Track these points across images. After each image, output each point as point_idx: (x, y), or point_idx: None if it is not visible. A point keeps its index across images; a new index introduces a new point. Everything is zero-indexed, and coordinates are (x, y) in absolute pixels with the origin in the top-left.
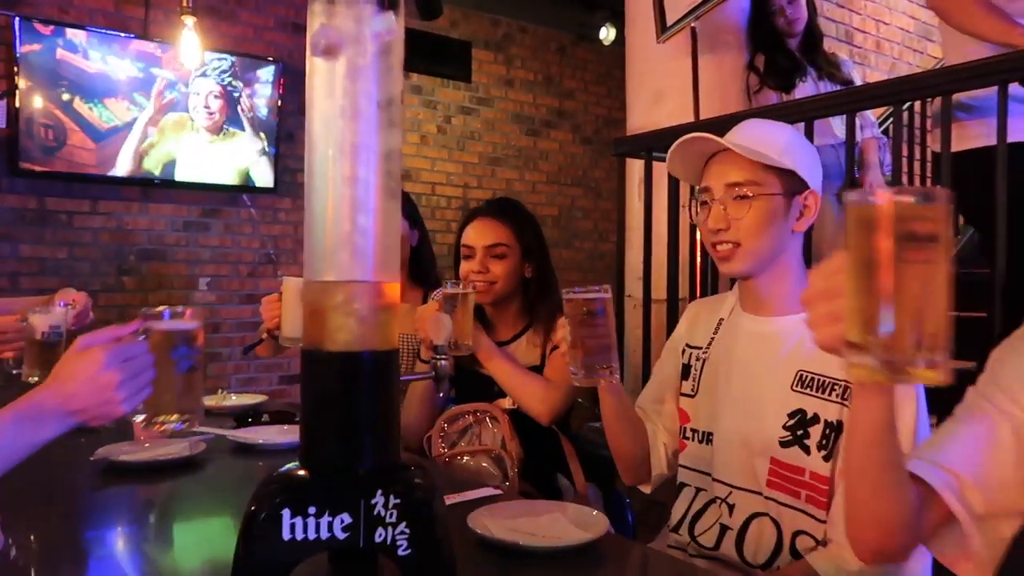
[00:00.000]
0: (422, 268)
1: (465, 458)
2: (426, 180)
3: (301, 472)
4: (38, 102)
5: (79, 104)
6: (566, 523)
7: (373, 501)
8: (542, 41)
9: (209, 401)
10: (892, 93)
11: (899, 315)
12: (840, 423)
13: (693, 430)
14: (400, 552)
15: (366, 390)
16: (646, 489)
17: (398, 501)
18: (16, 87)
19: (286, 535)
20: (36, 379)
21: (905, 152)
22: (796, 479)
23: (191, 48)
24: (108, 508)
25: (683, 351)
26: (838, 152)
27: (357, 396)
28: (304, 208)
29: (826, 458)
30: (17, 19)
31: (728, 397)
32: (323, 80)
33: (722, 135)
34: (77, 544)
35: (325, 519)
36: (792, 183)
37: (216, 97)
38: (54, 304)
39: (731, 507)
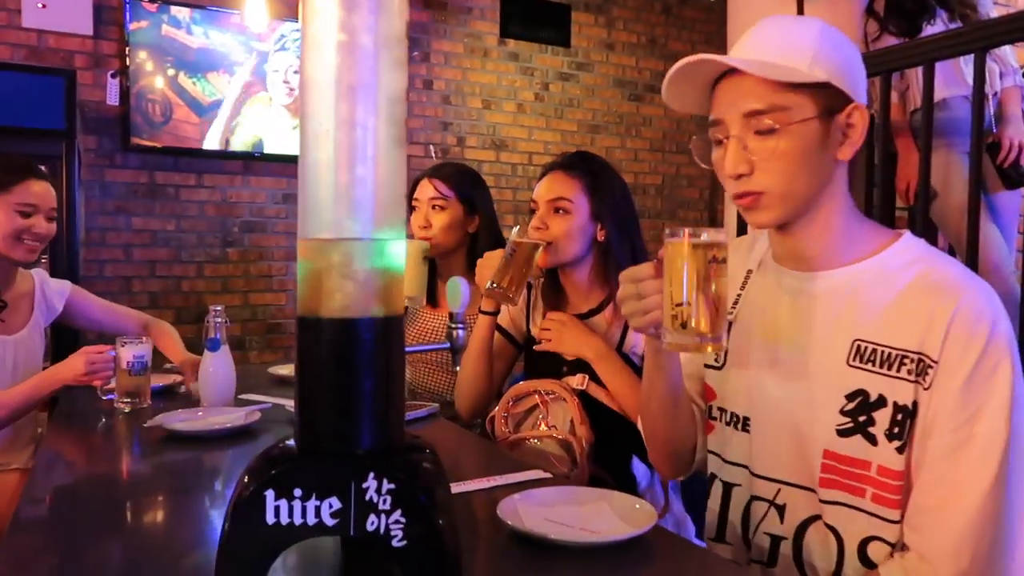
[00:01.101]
0: (480, 254)
1: (531, 441)
2: (523, 150)
3: (291, 451)
4: (147, 79)
5: (183, 79)
6: (610, 514)
7: (365, 485)
8: (646, 1)
9: (282, 370)
10: None
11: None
12: (916, 406)
13: (721, 409)
14: (394, 543)
15: (364, 360)
16: (683, 477)
17: (392, 486)
18: (128, 66)
19: (270, 519)
20: (125, 407)
21: None
22: (860, 474)
23: (257, 11)
24: (160, 475)
25: None
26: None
27: (355, 367)
28: (299, 158)
29: (900, 449)
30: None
31: (766, 373)
32: (317, 12)
33: None
34: (125, 511)
35: (312, 503)
36: (830, 99)
37: (296, 72)
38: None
39: (781, 509)
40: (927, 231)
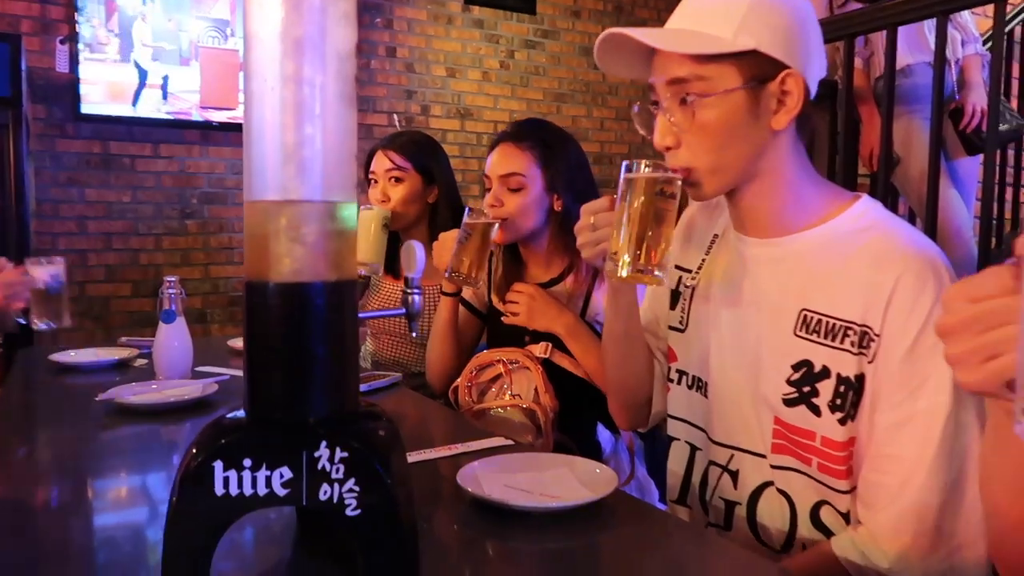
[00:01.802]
0: (445, 226)
1: (495, 411)
2: (488, 119)
3: (240, 420)
4: (100, 46)
5: (138, 49)
6: (571, 480)
7: (317, 454)
8: None
9: (241, 342)
10: None
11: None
12: (861, 378)
13: (681, 372)
14: (348, 512)
15: (315, 326)
16: (642, 429)
17: (345, 455)
18: (78, 33)
19: (219, 489)
20: (44, 326)
21: (1016, 72)
22: (806, 444)
23: None
24: (114, 450)
25: (673, 272)
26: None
27: (305, 333)
28: (244, 117)
29: (842, 421)
30: None
31: (722, 338)
32: None
33: None
34: (78, 486)
35: (263, 473)
36: (759, 66)
37: None
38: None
39: (734, 475)
40: (888, 196)
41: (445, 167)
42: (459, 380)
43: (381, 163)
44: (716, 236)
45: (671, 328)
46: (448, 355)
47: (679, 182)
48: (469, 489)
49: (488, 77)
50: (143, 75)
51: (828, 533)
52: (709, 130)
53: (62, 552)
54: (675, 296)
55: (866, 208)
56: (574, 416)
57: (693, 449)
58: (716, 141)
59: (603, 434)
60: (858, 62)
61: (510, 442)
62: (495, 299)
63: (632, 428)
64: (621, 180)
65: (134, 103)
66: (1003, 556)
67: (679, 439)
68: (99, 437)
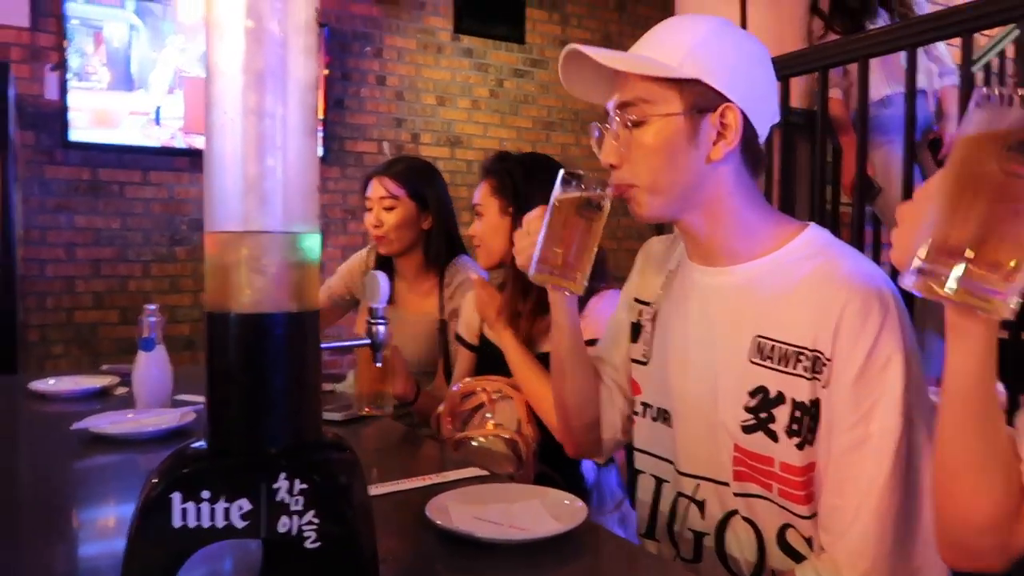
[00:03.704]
0: (439, 252)
1: (477, 440)
2: (478, 146)
3: (201, 451)
4: (88, 73)
5: (125, 78)
6: (540, 511)
7: (276, 485)
8: None
9: None
10: (962, 21)
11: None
12: (816, 403)
13: (646, 404)
14: (307, 544)
15: (276, 357)
16: (599, 460)
17: (305, 486)
18: (66, 59)
19: (176, 522)
20: None
21: None
22: (765, 470)
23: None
24: (87, 480)
25: (632, 305)
26: (920, 101)
27: (266, 364)
28: (204, 147)
29: (800, 445)
30: None
31: (682, 368)
32: None
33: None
34: (49, 516)
35: (221, 505)
36: (701, 96)
37: None
38: None
39: (700, 505)
40: (864, 225)
41: (441, 193)
42: (441, 408)
43: (376, 190)
44: (673, 269)
45: (634, 361)
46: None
47: (605, 199)
48: (437, 521)
49: (478, 105)
50: (130, 103)
51: (798, 557)
52: (647, 151)
53: None
54: (636, 329)
55: (813, 236)
56: (557, 447)
57: (659, 482)
58: (653, 162)
59: (586, 465)
60: (837, 92)
61: (485, 473)
62: (486, 330)
63: (584, 456)
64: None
65: (122, 131)
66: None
67: (644, 472)
68: (72, 467)
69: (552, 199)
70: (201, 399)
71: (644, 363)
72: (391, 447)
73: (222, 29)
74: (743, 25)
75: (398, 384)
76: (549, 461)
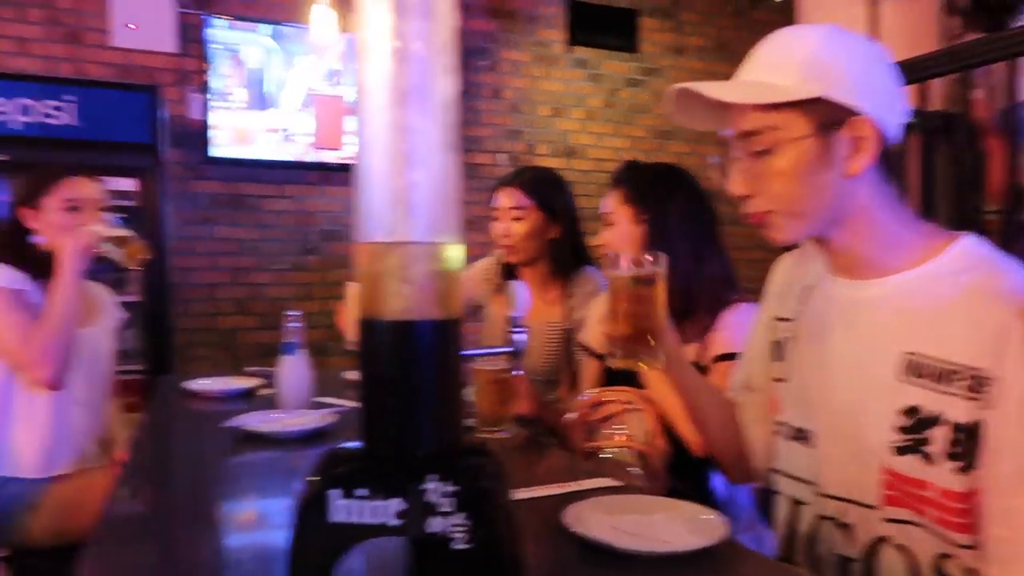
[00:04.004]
0: (566, 262)
1: (607, 451)
2: (592, 156)
3: (355, 451)
4: (228, 94)
5: (263, 93)
6: (679, 524)
7: (426, 487)
8: (715, 4)
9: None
10: None
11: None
12: (977, 425)
13: (785, 423)
14: (455, 546)
15: (424, 363)
16: (757, 484)
17: (453, 489)
18: (208, 82)
19: (334, 517)
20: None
21: None
22: (919, 495)
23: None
24: (239, 476)
25: (771, 324)
26: None
27: (413, 368)
28: (356, 163)
29: (962, 470)
30: (207, 17)
31: (824, 385)
32: (371, 20)
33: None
34: (205, 510)
35: (375, 503)
36: (828, 113)
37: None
38: None
39: (846, 529)
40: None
41: (568, 204)
42: (571, 417)
43: (504, 200)
44: (811, 284)
45: (776, 380)
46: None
47: (656, 270)
48: (575, 529)
49: (592, 116)
50: (265, 121)
51: None
52: (782, 178)
53: (190, 570)
54: (776, 347)
55: (969, 247)
56: (687, 460)
57: (796, 503)
58: (790, 188)
59: (717, 480)
60: (980, 93)
61: (619, 483)
62: None
63: (741, 483)
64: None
65: (258, 147)
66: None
67: (780, 493)
68: (225, 461)
69: (608, 281)
70: (340, 402)
71: (785, 381)
72: (518, 455)
73: (371, 51)
74: (873, 27)
75: (522, 404)
76: (679, 474)
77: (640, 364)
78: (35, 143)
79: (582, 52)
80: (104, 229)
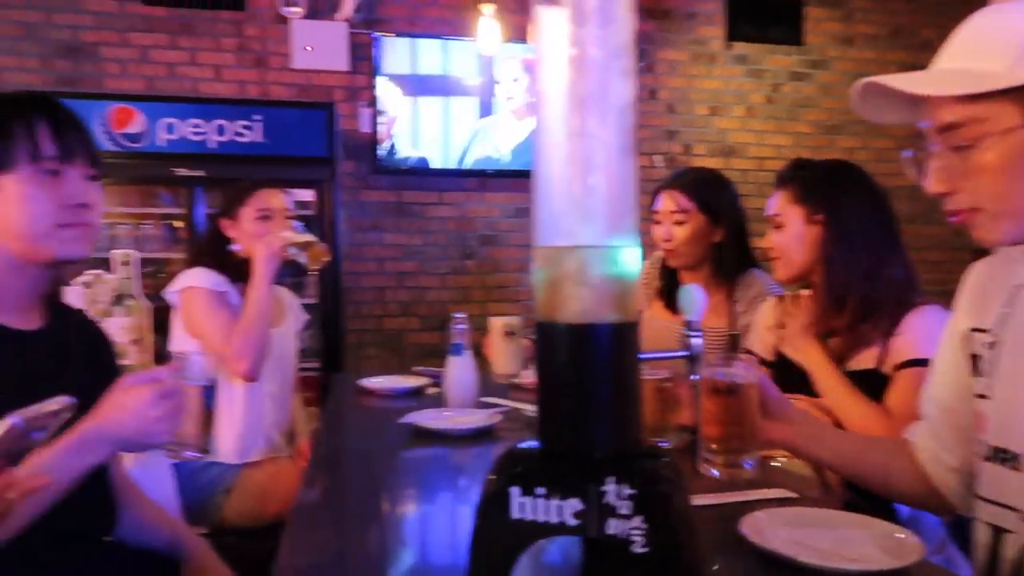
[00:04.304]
0: (731, 266)
1: (779, 460)
2: (752, 155)
3: (533, 451)
4: (395, 107)
5: (424, 104)
6: (868, 543)
7: (604, 488)
8: None
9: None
10: None
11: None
12: None
13: (987, 445)
14: (633, 550)
15: (601, 365)
16: (961, 512)
17: (633, 492)
18: (377, 96)
19: (515, 514)
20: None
21: None
22: None
23: (490, 37)
24: (412, 468)
25: (967, 336)
26: None
27: (591, 371)
28: (534, 169)
29: None
30: (377, 36)
31: None
32: (549, 30)
33: None
34: (385, 497)
35: (555, 502)
36: None
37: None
38: None
39: None
40: None
41: (732, 205)
42: None
43: (666, 203)
44: (1015, 288)
45: (978, 397)
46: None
47: (748, 379)
48: (754, 540)
49: (752, 113)
50: (429, 130)
51: None
52: (989, 174)
53: (365, 553)
54: (975, 361)
55: None
56: None
57: (998, 531)
58: (998, 185)
59: None
60: None
61: (794, 495)
62: (781, 345)
63: (940, 514)
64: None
65: (421, 156)
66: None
67: (979, 519)
68: (399, 455)
69: (700, 383)
70: (504, 402)
71: (988, 397)
72: (684, 464)
73: (549, 60)
74: None
75: (684, 414)
76: (856, 488)
77: (740, 466)
78: (226, 160)
79: (742, 48)
80: (291, 235)
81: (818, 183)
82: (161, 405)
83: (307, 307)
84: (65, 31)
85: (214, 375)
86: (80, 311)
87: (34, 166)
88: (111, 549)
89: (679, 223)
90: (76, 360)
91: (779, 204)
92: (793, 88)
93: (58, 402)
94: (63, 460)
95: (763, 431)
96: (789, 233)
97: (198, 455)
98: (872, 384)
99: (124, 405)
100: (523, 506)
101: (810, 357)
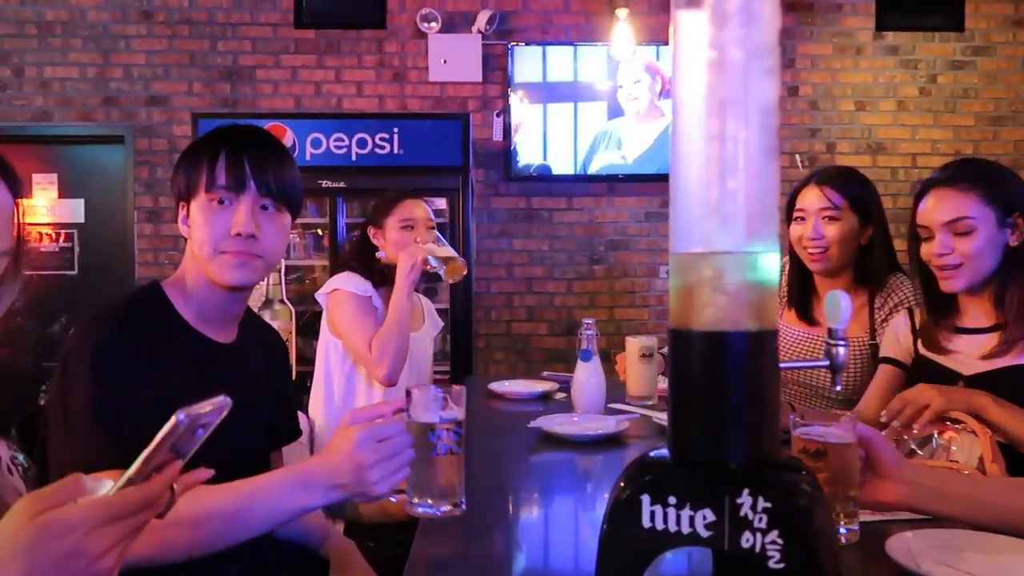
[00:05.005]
0: (879, 270)
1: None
2: (904, 152)
3: (665, 459)
4: (524, 114)
5: (554, 111)
6: None
7: (739, 500)
8: None
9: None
10: None
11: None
12: None
13: None
14: (770, 564)
15: (736, 374)
16: None
17: (769, 505)
18: (509, 105)
19: (645, 523)
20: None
21: None
22: None
23: (622, 42)
24: (541, 472)
25: None
26: None
27: (726, 380)
28: (670, 175)
29: None
30: (511, 46)
31: None
32: (687, 32)
33: None
34: (515, 500)
35: (686, 512)
36: None
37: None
38: None
39: None
40: None
41: (879, 204)
42: (884, 433)
43: (814, 200)
44: None
45: None
46: None
47: (841, 434)
48: (901, 562)
49: (904, 106)
50: (558, 137)
51: None
52: None
53: (492, 554)
54: None
55: None
56: None
57: None
58: None
59: None
60: None
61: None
62: (921, 347)
63: None
64: None
65: (550, 163)
66: None
67: None
68: (528, 459)
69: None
70: (631, 408)
71: None
72: None
73: (686, 63)
74: None
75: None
76: None
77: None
78: (366, 171)
79: (893, 37)
80: (435, 248)
81: (1007, 183)
82: (380, 449)
83: (439, 311)
84: (227, 57)
85: (461, 413)
86: (268, 326)
87: (208, 195)
88: (277, 545)
89: (831, 219)
90: (255, 369)
91: (967, 206)
92: (952, 78)
93: (215, 402)
94: (282, 493)
95: (870, 494)
96: (981, 238)
97: (439, 512)
98: None
99: (339, 449)
100: (654, 515)
101: (977, 400)
